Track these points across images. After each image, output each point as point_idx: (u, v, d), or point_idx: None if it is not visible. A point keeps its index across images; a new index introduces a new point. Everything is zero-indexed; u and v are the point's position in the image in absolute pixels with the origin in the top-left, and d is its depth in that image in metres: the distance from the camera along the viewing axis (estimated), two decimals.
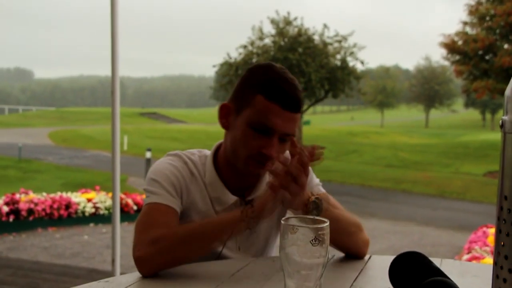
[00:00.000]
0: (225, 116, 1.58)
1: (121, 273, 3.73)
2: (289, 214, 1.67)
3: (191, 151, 1.65)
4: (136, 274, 1.35)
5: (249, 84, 1.54)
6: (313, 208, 1.41)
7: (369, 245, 1.59)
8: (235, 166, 1.58)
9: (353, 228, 1.55)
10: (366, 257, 1.56)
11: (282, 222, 1.00)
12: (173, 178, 1.54)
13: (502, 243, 0.79)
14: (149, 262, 1.35)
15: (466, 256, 6.15)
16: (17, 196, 8.49)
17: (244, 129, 1.51)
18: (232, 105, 1.56)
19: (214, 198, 1.59)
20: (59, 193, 9.06)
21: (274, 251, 1.74)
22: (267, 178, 1.64)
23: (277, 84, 1.49)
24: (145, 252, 1.35)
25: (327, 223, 1.00)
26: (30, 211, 8.23)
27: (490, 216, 11.98)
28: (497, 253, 0.80)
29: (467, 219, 12.11)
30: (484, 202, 15.36)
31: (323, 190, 1.69)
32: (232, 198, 1.60)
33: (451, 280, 1.01)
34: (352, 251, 1.57)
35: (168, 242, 1.36)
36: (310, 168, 1.66)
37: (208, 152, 1.66)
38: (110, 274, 4.01)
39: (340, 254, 1.57)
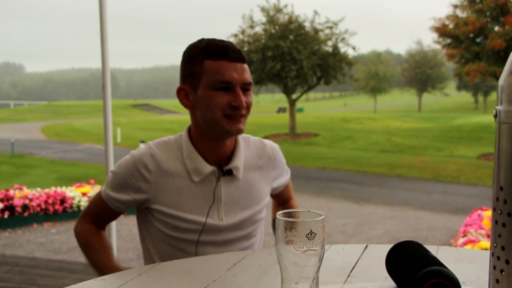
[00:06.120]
0: (186, 98, 1.71)
1: None
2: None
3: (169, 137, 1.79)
4: (132, 271, 1.34)
5: (192, 59, 1.67)
6: None
7: None
8: (210, 138, 1.69)
9: None
10: (363, 246, 1.56)
11: (277, 216, 0.99)
12: (128, 171, 1.68)
13: (498, 233, 0.78)
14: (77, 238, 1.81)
15: (461, 240, 6.18)
16: (11, 192, 8.45)
17: (209, 94, 1.63)
18: (186, 86, 1.70)
19: (192, 170, 1.68)
20: (53, 188, 9.03)
21: (267, 219, 1.86)
22: (242, 148, 1.76)
23: (215, 44, 1.65)
24: (76, 233, 1.81)
25: (323, 216, 0.99)
26: (25, 207, 8.20)
27: (485, 199, 12.04)
28: (493, 244, 0.80)
29: (462, 202, 12.17)
30: (478, 185, 15.42)
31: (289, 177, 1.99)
32: (209, 168, 1.69)
33: (448, 269, 1.01)
34: None
35: (79, 242, 1.80)
36: (280, 152, 1.88)
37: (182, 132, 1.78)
38: None
39: (336, 245, 1.56)
